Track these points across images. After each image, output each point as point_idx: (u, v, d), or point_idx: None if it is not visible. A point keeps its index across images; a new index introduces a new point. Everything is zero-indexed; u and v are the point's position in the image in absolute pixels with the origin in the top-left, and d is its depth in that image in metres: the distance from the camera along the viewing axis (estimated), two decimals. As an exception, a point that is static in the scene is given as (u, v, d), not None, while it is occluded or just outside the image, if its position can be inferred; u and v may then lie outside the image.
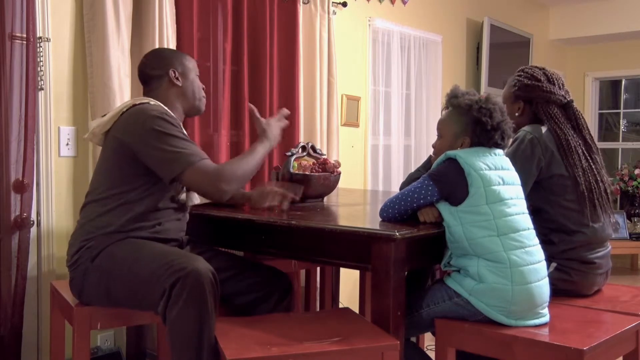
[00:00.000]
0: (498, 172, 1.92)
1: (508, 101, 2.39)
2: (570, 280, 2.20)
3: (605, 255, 2.28)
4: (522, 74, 2.38)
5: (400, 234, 1.79)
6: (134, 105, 2.08)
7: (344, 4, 3.89)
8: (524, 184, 2.05)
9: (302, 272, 3.25)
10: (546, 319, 1.91)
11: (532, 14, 6.16)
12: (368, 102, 4.22)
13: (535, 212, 2.16)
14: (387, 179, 4.35)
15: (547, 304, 1.93)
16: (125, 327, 2.77)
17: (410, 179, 2.16)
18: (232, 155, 3.17)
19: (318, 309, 3.24)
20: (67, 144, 2.68)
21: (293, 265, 2.82)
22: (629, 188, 6.05)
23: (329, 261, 2.30)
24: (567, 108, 2.33)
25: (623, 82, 6.85)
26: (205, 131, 3.16)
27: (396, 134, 4.38)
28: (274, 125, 2.25)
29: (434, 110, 4.67)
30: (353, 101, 4.09)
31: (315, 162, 2.63)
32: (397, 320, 1.84)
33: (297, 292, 3.03)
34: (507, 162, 2.00)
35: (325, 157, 2.70)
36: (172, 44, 2.89)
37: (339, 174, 2.65)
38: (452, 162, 1.92)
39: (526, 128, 2.28)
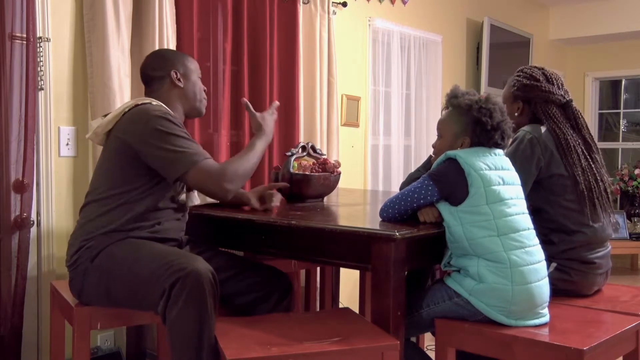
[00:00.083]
0: (498, 172, 1.92)
1: (507, 101, 2.39)
2: (570, 280, 2.20)
3: (605, 255, 2.28)
4: (521, 74, 2.39)
5: (400, 234, 1.79)
6: (136, 105, 2.08)
7: (344, 4, 3.89)
8: (523, 184, 2.05)
9: (302, 272, 3.25)
10: (546, 319, 1.91)
11: (532, 14, 6.16)
12: (368, 102, 4.22)
13: (535, 212, 2.16)
14: (387, 179, 4.35)
15: (547, 304, 1.93)
16: (125, 327, 2.77)
17: (410, 179, 2.16)
18: (232, 155, 3.17)
19: (318, 309, 3.24)
20: (67, 144, 2.69)
21: (293, 265, 2.82)
22: (629, 188, 6.05)
23: (329, 261, 2.30)
24: (567, 108, 2.33)
25: (623, 82, 6.85)
26: (205, 131, 3.16)
27: (396, 134, 4.38)
28: (269, 119, 2.28)
29: (434, 110, 4.67)
30: (353, 101, 4.09)
31: (315, 162, 2.63)
32: (397, 320, 1.84)
33: (297, 292, 3.03)
34: (507, 162, 2.00)
35: (325, 157, 2.71)
36: (172, 44, 2.89)
37: (339, 174, 2.65)
38: (452, 162, 1.92)
39: (525, 128, 2.28)
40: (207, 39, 3.17)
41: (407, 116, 4.54)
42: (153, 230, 2.06)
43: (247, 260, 2.37)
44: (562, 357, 1.71)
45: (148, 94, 2.23)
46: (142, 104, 2.09)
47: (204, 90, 2.32)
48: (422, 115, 4.68)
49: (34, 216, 2.55)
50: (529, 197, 2.12)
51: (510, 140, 2.13)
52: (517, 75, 2.40)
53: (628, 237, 5.71)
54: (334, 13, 3.78)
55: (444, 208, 1.92)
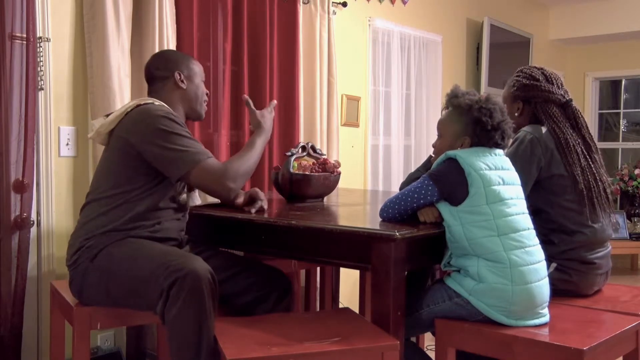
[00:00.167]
0: (498, 172, 1.92)
1: (507, 101, 2.40)
2: (570, 280, 2.20)
3: (605, 255, 2.28)
4: (521, 74, 2.39)
5: (400, 234, 1.79)
6: (139, 105, 2.09)
7: (344, 4, 3.89)
8: (524, 185, 2.05)
9: (302, 272, 3.25)
10: (546, 319, 1.91)
11: (532, 14, 6.16)
12: (368, 102, 4.22)
13: (535, 212, 2.16)
14: (387, 179, 4.35)
15: (547, 304, 1.93)
16: (125, 327, 2.77)
17: (410, 179, 2.16)
18: (232, 155, 3.17)
19: (318, 309, 3.24)
20: (67, 144, 2.68)
21: (293, 265, 2.82)
22: (629, 188, 6.05)
23: (329, 261, 2.30)
24: (566, 107, 2.33)
25: (623, 82, 6.85)
26: (205, 131, 3.16)
27: (396, 134, 4.38)
28: (268, 117, 2.31)
29: (434, 110, 4.67)
30: (353, 101, 4.09)
31: (315, 162, 2.63)
32: (397, 320, 1.84)
33: (297, 292, 3.04)
34: (507, 162, 2.00)
35: (325, 157, 2.70)
36: (172, 44, 2.89)
37: (339, 174, 2.65)
38: (452, 162, 1.92)
39: (526, 128, 2.28)
40: (207, 39, 3.17)
41: (407, 116, 4.54)
42: (153, 230, 2.06)
43: (247, 260, 2.37)
44: (562, 357, 1.71)
45: (150, 93, 2.24)
46: (144, 103, 2.10)
47: (207, 94, 2.33)
48: (422, 115, 4.68)
49: (34, 216, 2.55)
50: (529, 198, 2.12)
51: (511, 140, 2.13)
52: (517, 76, 2.40)
53: (628, 237, 5.71)
54: (334, 13, 3.78)
55: (444, 208, 1.92)
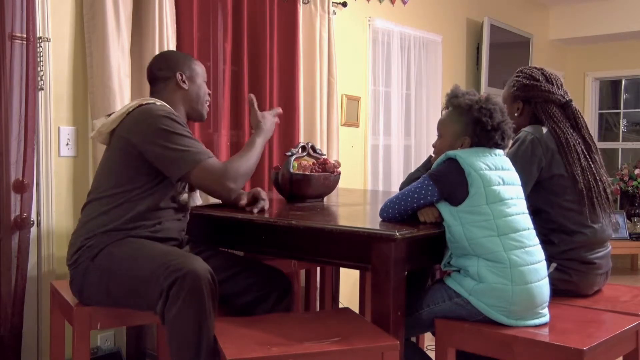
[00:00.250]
0: (498, 172, 1.92)
1: (507, 101, 2.40)
2: (570, 280, 2.20)
3: (605, 255, 2.28)
4: (521, 74, 2.39)
5: (400, 234, 1.79)
6: (140, 105, 2.09)
7: (344, 4, 3.89)
8: (524, 185, 2.05)
9: (302, 272, 3.25)
10: (546, 319, 1.91)
11: (532, 14, 6.16)
12: (368, 102, 4.22)
13: (535, 212, 2.16)
14: (387, 179, 4.35)
15: (547, 304, 1.93)
16: (125, 327, 2.77)
17: (410, 179, 2.16)
18: (232, 155, 3.17)
19: (318, 309, 3.24)
20: (67, 144, 2.68)
21: (293, 265, 2.82)
22: (629, 188, 6.05)
23: (329, 261, 2.30)
24: (566, 107, 2.33)
25: (623, 82, 6.85)
26: (205, 131, 3.16)
27: (396, 134, 4.38)
28: (269, 118, 2.32)
29: (434, 110, 4.67)
30: (353, 101, 4.09)
31: (315, 162, 2.63)
32: (397, 320, 1.84)
33: (297, 292, 3.03)
34: (507, 163, 2.00)
35: (325, 157, 2.70)
36: (172, 44, 2.89)
37: (339, 174, 2.65)
38: (452, 162, 1.92)
39: (527, 129, 2.28)
40: (207, 39, 3.17)
41: (407, 116, 4.54)
42: (154, 229, 2.07)
43: (247, 260, 2.37)
44: (562, 357, 1.71)
45: (152, 94, 2.24)
46: (146, 103, 2.11)
47: (209, 94, 2.33)
48: (422, 115, 4.68)
49: (34, 216, 2.55)
50: (529, 198, 2.12)
51: (511, 140, 2.13)
52: (517, 76, 2.40)
53: (628, 237, 5.71)
54: (334, 13, 3.78)
55: (444, 208, 1.92)
